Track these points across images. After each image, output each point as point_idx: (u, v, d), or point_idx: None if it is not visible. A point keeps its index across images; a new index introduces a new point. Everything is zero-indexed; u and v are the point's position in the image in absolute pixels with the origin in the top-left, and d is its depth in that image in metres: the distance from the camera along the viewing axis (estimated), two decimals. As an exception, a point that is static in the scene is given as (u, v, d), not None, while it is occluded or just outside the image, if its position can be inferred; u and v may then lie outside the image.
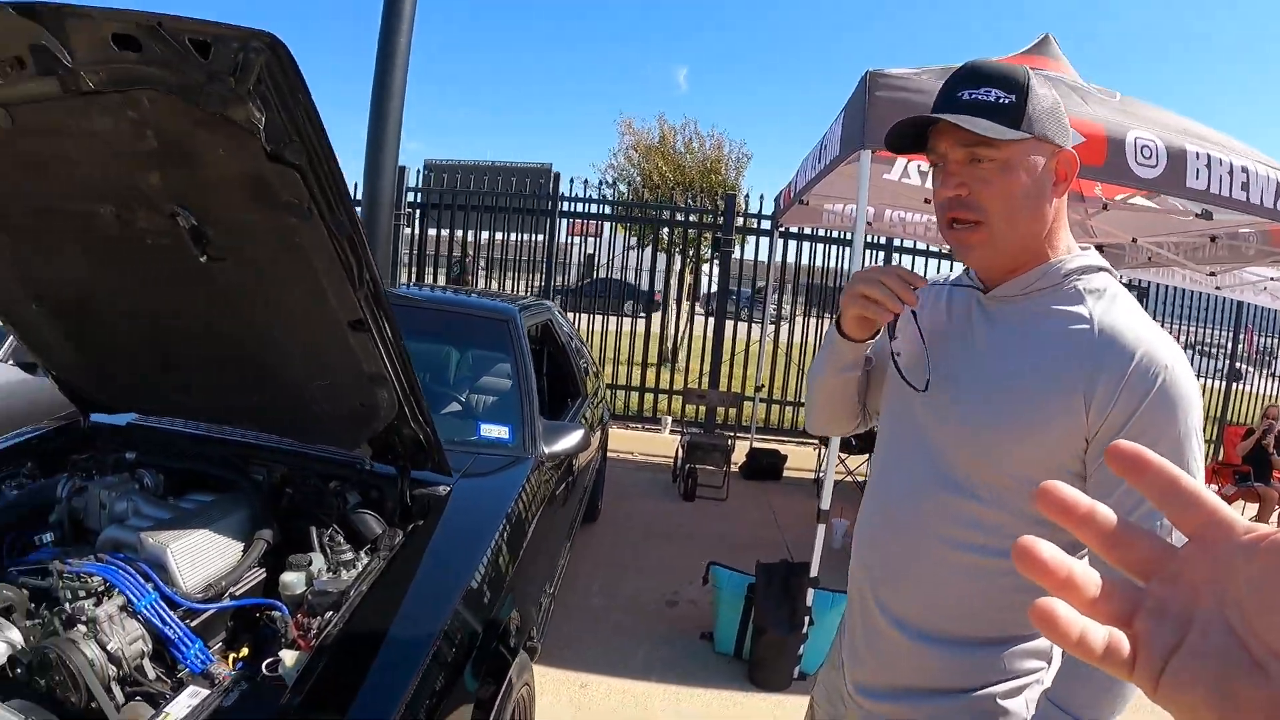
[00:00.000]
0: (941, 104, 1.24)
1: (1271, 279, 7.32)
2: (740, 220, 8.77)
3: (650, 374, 9.52)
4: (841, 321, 1.41)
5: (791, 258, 9.20)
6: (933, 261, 9.10)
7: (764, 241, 8.95)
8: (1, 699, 1.58)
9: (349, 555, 2.12)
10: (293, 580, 2.03)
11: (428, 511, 2.30)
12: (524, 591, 2.25)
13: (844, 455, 6.91)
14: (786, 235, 8.73)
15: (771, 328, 8.83)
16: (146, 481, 2.47)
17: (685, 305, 11.60)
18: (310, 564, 2.08)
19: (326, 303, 1.79)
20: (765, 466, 7.43)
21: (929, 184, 5.15)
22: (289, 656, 1.72)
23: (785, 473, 7.54)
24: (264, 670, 1.70)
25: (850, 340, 1.41)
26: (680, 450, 6.85)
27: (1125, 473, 0.42)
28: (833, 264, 9.29)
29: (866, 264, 4.07)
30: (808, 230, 8.81)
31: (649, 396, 9.47)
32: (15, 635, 1.75)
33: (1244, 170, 3.80)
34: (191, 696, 1.65)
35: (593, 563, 4.81)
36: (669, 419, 9.13)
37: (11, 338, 4.70)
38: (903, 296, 1.26)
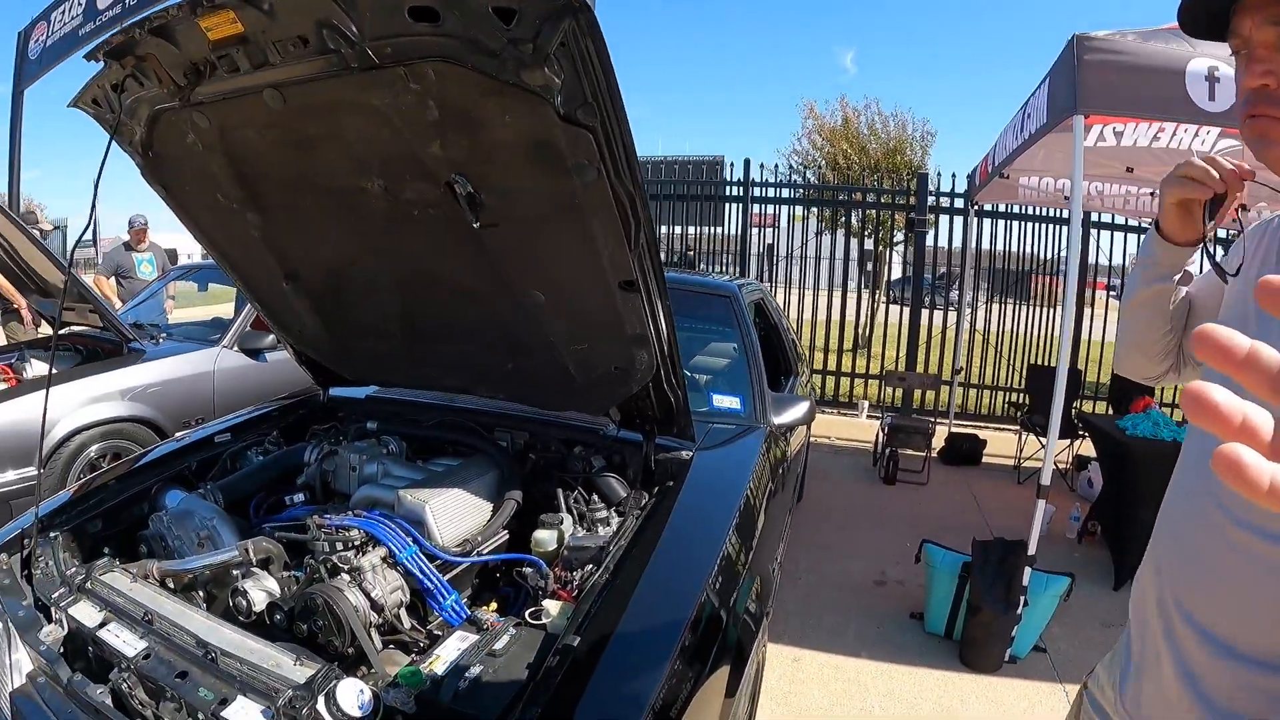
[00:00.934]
0: None
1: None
2: (932, 200, 8.52)
3: (843, 360, 9.44)
4: (1160, 219, 1.23)
5: (986, 239, 8.89)
6: (1132, 237, 8.58)
7: (950, 221, 8.75)
8: (263, 639, 1.67)
9: (603, 513, 2.20)
10: (546, 537, 2.11)
11: (672, 476, 2.33)
12: (760, 558, 2.27)
13: (1044, 441, 6.65)
14: (983, 214, 8.45)
15: (968, 311, 8.58)
16: (392, 447, 2.60)
17: (875, 293, 11.40)
18: (561, 523, 2.15)
19: (599, 263, 1.81)
20: (965, 451, 7.24)
21: (1124, 143, 4.90)
22: (552, 606, 1.78)
23: (985, 458, 7.32)
24: (527, 618, 1.74)
25: (1168, 243, 1.23)
26: (881, 434, 6.81)
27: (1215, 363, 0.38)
28: (1030, 244, 8.94)
29: (1077, 241, 3.92)
30: (1002, 207, 8.51)
31: (845, 381, 9.38)
32: (273, 584, 1.89)
33: None
34: (460, 640, 1.68)
35: (800, 543, 4.83)
36: (865, 403, 9.04)
37: (236, 324, 5.14)
38: (1226, 178, 1.12)
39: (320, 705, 1.38)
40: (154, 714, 1.55)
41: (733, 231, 9.39)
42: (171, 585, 2.00)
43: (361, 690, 1.41)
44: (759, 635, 2.12)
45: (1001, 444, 7.53)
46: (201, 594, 2.00)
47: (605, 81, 1.44)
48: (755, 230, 9.33)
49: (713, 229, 9.65)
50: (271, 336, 5.01)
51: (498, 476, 2.37)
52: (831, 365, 9.29)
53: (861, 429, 8.03)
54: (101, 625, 1.72)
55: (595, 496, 2.31)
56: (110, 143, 1.91)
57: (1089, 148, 4.88)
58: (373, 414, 2.86)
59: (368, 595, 1.81)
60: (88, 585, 1.87)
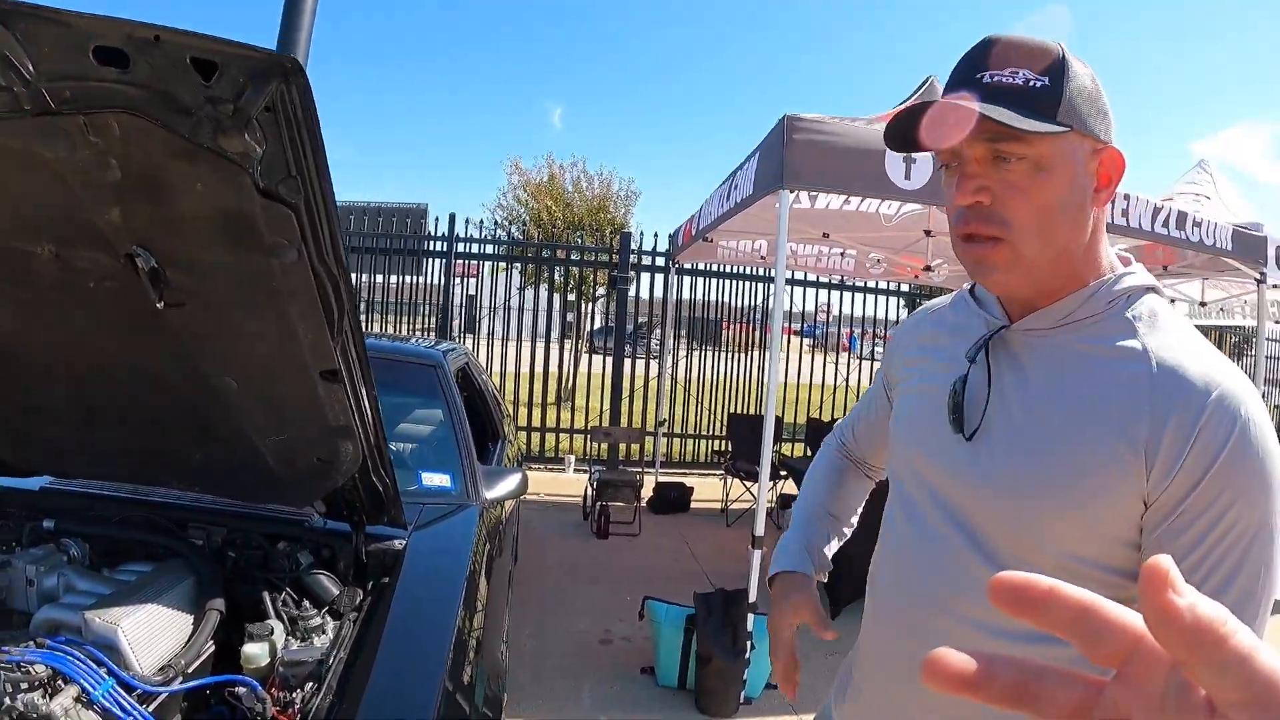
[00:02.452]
0: (957, 87, 0.99)
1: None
2: (634, 257, 8.85)
3: (547, 414, 9.47)
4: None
5: (686, 291, 9.39)
6: (824, 291, 9.55)
7: (652, 278, 9.15)
8: None
9: (316, 620, 1.99)
10: (256, 652, 1.88)
11: (386, 568, 2.19)
12: (490, 644, 2.18)
13: (749, 484, 7.04)
14: (683, 271, 8.91)
15: (669, 363, 8.94)
16: (74, 552, 2.26)
17: (577, 344, 11.62)
18: (271, 633, 1.93)
19: (298, 351, 1.65)
20: (673, 499, 7.49)
21: (819, 206, 5.45)
22: None
23: (693, 504, 7.60)
24: None
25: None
26: (590, 488, 6.86)
27: (1011, 606, 0.34)
28: (727, 297, 9.56)
29: (782, 300, 4.20)
30: (702, 266, 9.02)
31: (550, 436, 9.42)
32: None
33: (1124, 197, 4.20)
34: None
35: (520, 607, 4.70)
36: (571, 458, 9.06)
37: None
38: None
39: None
40: None
41: (435, 282, 9.21)
42: None
43: None
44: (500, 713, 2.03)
45: (708, 489, 7.85)
46: None
47: (313, 154, 1.29)
48: (458, 280, 9.18)
49: (415, 278, 9.45)
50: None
51: (195, 582, 2.09)
52: (536, 420, 9.30)
53: (569, 484, 8.02)
54: None
55: (305, 600, 2.09)
56: None
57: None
58: (49, 510, 2.44)
59: None
60: None
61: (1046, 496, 0.97)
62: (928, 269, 6.78)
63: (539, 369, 9.33)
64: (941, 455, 1.09)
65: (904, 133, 1.02)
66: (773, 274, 9.03)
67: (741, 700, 3.72)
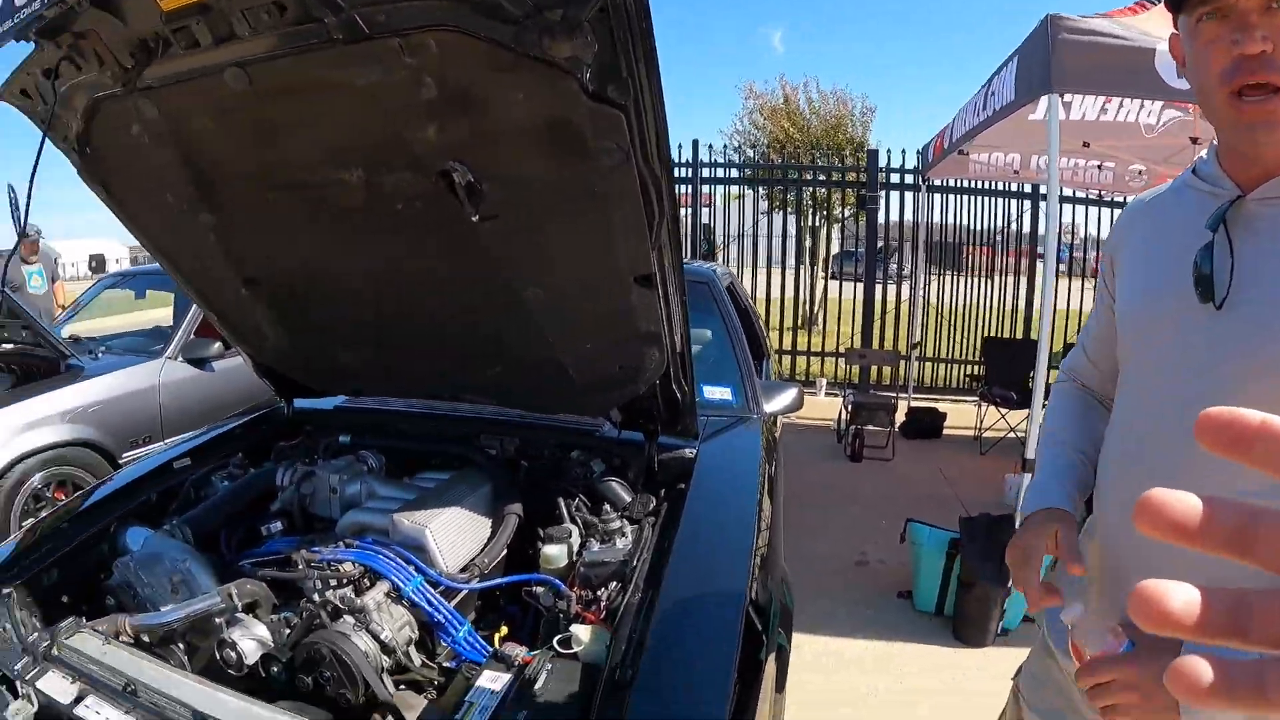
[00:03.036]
0: None
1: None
2: (882, 176, 8.53)
3: (791, 339, 9.40)
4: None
5: (936, 213, 8.91)
6: (1080, 208, 8.74)
7: (901, 197, 8.74)
8: (266, 701, 1.47)
9: (615, 524, 2.01)
10: (555, 553, 1.94)
11: (676, 477, 2.18)
12: (778, 552, 2.15)
13: (1004, 411, 6.74)
14: (933, 189, 8.50)
15: (920, 283, 8.62)
16: (371, 463, 2.39)
17: (818, 269, 11.45)
18: (570, 535, 1.99)
19: (614, 257, 1.62)
20: (926, 425, 7.29)
21: (1073, 116, 5.00)
22: (582, 632, 1.59)
23: (945, 430, 7.37)
24: (556, 647, 1.56)
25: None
26: (844, 411, 6.80)
27: (1220, 445, 0.31)
28: (980, 218, 9.00)
29: (1055, 215, 3.95)
30: (951, 182, 8.56)
31: (800, 360, 9.34)
32: (264, 632, 1.69)
33: None
34: (492, 681, 1.50)
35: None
36: (823, 381, 9.03)
37: (179, 332, 4.82)
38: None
39: None
40: None
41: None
42: (147, 639, 1.76)
43: None
44: (791, 630, 1.99)
45: (961, 416, 7.58)
46: (181, 646, 1.76)
47: (644, 52, 1.25)
48: (705, 209, 9.25)
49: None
50: (218, 344, 4.74)
51: (492, 489, 2.19)
52: (785, 344, 9.22)
53: (821, 407, 7.99)
54: (78, 700, 1.48)
55: (604, 505, 2.13)
56: (43, 140, 1.66)
57: (1038, 120, 4.91)
58: (345, 427, 2.62)
59: (376, 638, 1.63)
60: (54, 652, 1.61)
61: None
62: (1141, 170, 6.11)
63: (784, 295, 9.26)
64: (1186, 328, 1.06)
65: None
66: (1030, 189, 8.54)
67: (998, 631, 3.61)
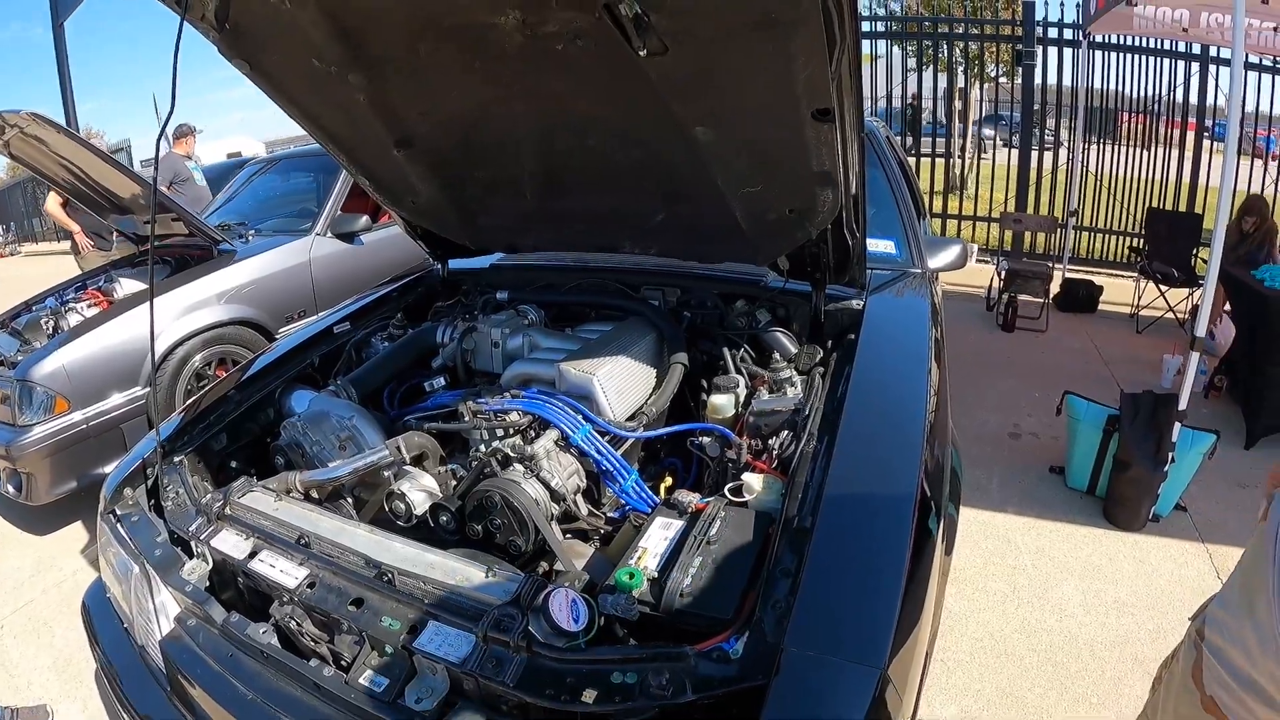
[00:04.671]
0: None
1: None
2: (1039, 30, 7.84)
3: (943, 203, 9.00)
4: None
5: (1097, 75, 8.11)
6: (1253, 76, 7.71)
7: (1060, 53, 8.01)
8: (439, 549, 1.49)
9: (785, 373, 1.96)
10: (723, 403, 1.92)
11: (843, 328, 2.12)
12: (948, 419, 2.06)
13: (1165, 288, 6.30)
14: (1095, 45, 7.75)
15: (1080, 148, 7.99)
16: (532, 317, 2.39)
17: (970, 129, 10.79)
18: (736, 385, 1.96)
19: (791, 90, 1.50)
20: (1081, 298, 6.91)
21: None
22: (754, 480, 1.58)
23: (1100, 305, 6.97)
24: (728, 496, 1.55)
25: None
26: (997, 279, 6.55)
27: None
28: (1146, 82, 8.11)
29: (1239, 80, 3.50)
30: (1114, 39, 7.78)
31: (950, 224, 8.94)
32: (431, 483, 1.71)
33: None
34: (664, 528, 1.50)
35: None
36: (975, 246, 8.62)
37: (325, 209, 4.92)
38: None
39: (532, 625, 1.22)
40: (330, 650, 1.40)
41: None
42: (316, 496, 1.84)
43: (575, 601, 1.24)
44: (959, 498, 1.95)
45: (1117, 290, 7.14)
46: (349, 500, 1.84)
47: None
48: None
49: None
50: (365, 218, 4.88)
51: (657, 339, 2.17)
52: (936, 208, 8.81)
53: (971, 274, 7.62)
54: (252, 555, 1.55)
55: (772, 355, 2.09)
56: (181, 25, 1.58)
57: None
58: (500, 284, 2.61)
59: (546, 485, 1.66)
60: (227, 511, 1.68)
61: None
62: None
63: (932, 159, 8.87)
64: None
65: None
66: (1199, 50, 7.62)
67: (1150, 516, 3.45)
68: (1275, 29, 6.18)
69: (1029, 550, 3.27)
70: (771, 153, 1.73)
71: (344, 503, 1.84)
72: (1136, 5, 5.92)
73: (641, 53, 1.48)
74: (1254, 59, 7.37)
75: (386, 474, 1.78)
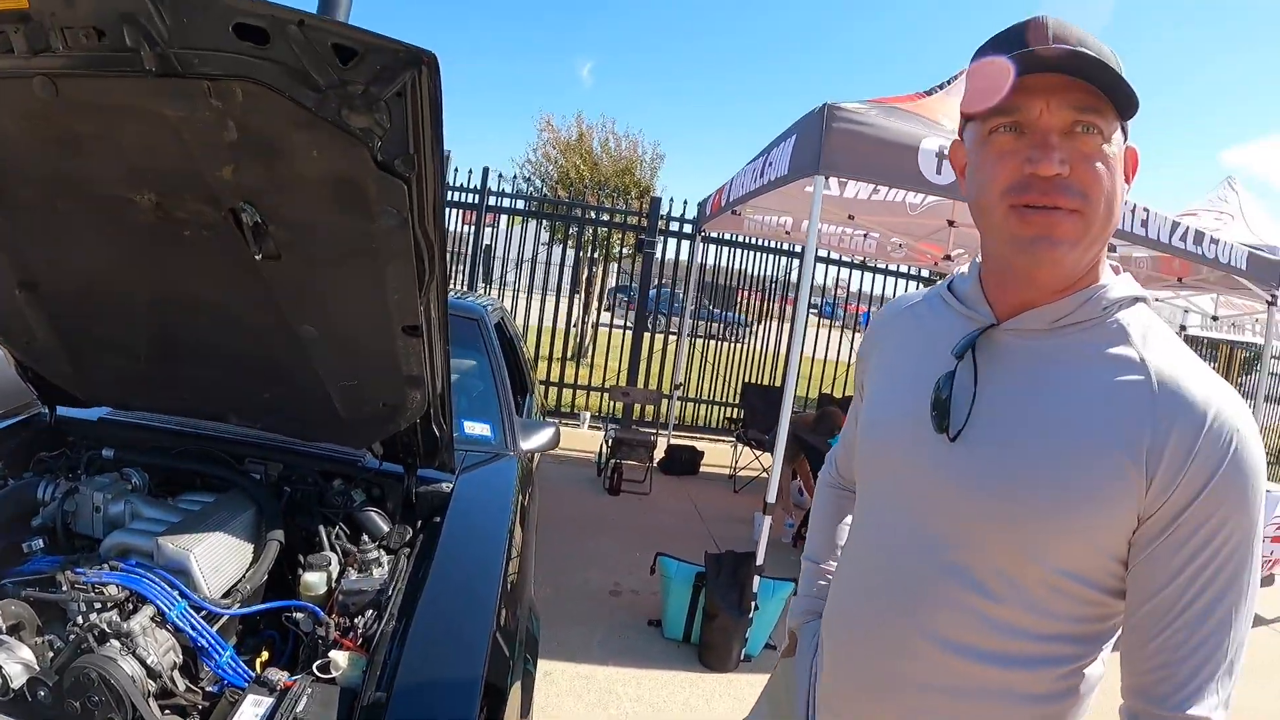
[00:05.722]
0: (1021, 57, 0.92)
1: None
2: (662, 223, 8.96)
3: (560, 370, 9.57)
4: None
5: (710, 260, 9.52)
6: (844, 271, 9.68)
7: (679, 244, 9.21)
8: None
9: (373, 554, 2.10)
10: (315, 580, 1.99)
11: (434, 508, 2.29)
12: (527, 588, 2.30)
13: (759, 452, 7.23)
14: (709, 240, 9.02)
15: (689, 327, 9.09)
16: (135, 481, 2.34)
17: (592, 303, 11.74)
18: (329, 564, 2.05)
19: (384, 306, 1.73)
20: (684, 461, 7.66)
21: (847, 194, 5.60)
22: (340, 658, 1.68)
23: (702, 468, 7.79)
24: (315, 672, 1.64)
25: None
26: (605, 445, 7.00)
27: None
28: (751, 269, 9.71)
29: (811, 279, 4.37)
30: (727, 236, 9.15)
31: (566, 392, 9.54)
32: (28, 654, 1.62)
33: (1144, 209, 4.36)
34: (256, 705, 1.55)
35: (537, 555, 4.86)
36: (587, 414, 9.23)
37: None
38: None
39: None
40: None
41: (458, 231, 9.31)
42: None
43: None
44: (537, 657, 2.14)
45: (718, 455, 8.03)
46: None
47: (431, 135, 1.37)
48: (487, 228, 9.25)
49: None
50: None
51: (256, 514, 2.20)
52: (554, 375, 9.40)
53: (583, 439, 8.17)
54: None
55: (363, 534, 2.20)
56: None
57: (810, 191, 5.41)
58: (109, 440, 2.52)
59: (143, 662, 1.61)
60: None
61: (1039, 502, 0.93)
62: (948, 258, 6.93)
63: (556, 325, 9.43)
64: (920, 456, 1.04)
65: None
66: (796, 249, 9.27)
67: (741, 657, 3.93)
68: (864, 235, 7.75)
69: (630, 699, 3.51)
70: (367, 356, 1.94)
71: None
72: (739, 213, 7.00)
73: (257, 256, 1.67)
74: (847, 258, 9.24)
75: None
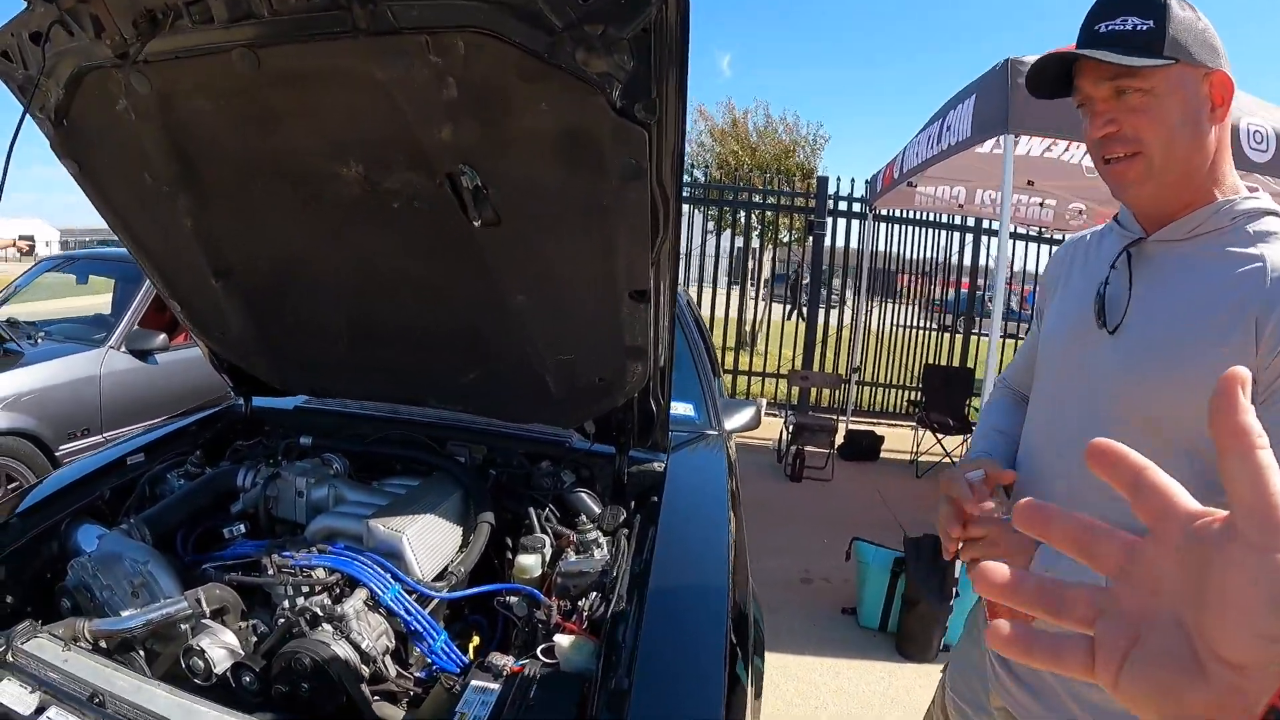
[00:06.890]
0: (1082, 40, 1.18)
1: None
2: (830, 203, 8.70)
3: (734, 358, 9.50)
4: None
5: (881, 242, 9.11)
6: (1020, 244, 9.07)
7: (848, 224, 8.90)
8: (243, 713, 1.39)
9: (593, 534, 1.99)
10: (530, 563, 1.92)
11: (646, 490, 2.19)
12: (748, 571, 2.14)
13: (940, 437, 6.93)
14: (879, 218, 8.69)
15: (864, 309, 8.81)
16: (337, 467, 2.31)
17: (760, 290, 11.59)
18: (543, 545, 1.97)
19: (612, 271, 1.60)
20: (864, 447, 7.45)
21: (1019, 152, 5.20)
22: (564, 641, 1.59)
23: (882, 453, 7.55)
24: (540, 657, 1.56)
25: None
26: (785, 432, 6.91)
27: (1099, 467, 0.42)
28: (924, 249, 9.25)
29: (1005, 251, 4.11)
30: (897, 213, 8.78)
31: (740, 379, 9.44)
32: (232, 639, 1.62)
33: None
34: (481, 692, 1.47)
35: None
36: (763, 401, 9.11)
37: (123, 321, 4.60)
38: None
39: None
40: None
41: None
42: (105, 645, 1.66)
43: None
44: (763, 644, 2.02)
45: (897, 440, 7.75)
46: (141, 653, 1.67)
47: (678, 74, 1.23)
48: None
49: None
50: (163, 336, 4.56)
51: (463, 496, 2.14)
52: (727, 364, 9.30)
53: (761, 426, 8.06)
54: (39, 712, 1.36)
55: (578, 516, 2.12)
56: (25, 112, 1.54)
57: (986, 154, 5.09)
58: (305, 428, 2.52)
59: (356, 647, 1.58)
60: (10, 659, 1.48)
61: (1177, 379, 1.11)
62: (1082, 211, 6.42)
63: (723, 314, 9.34)
64: (1086, 350, 1.25)
65: (1038, 80, 1.25)
66: (973, 223, 8.82)
67: (941, 647, 3.73)
68: (1040, 203, 7.21)
69: (829, 689, 3.39)
70: (588, 326, 1.81)
71: (135, 655, 1.66)
72: (914, 184, 6.72)
73: (476, 222, 1.57)
74: (1023, 230, 8.61)
75: (184, 627, 1.63)
